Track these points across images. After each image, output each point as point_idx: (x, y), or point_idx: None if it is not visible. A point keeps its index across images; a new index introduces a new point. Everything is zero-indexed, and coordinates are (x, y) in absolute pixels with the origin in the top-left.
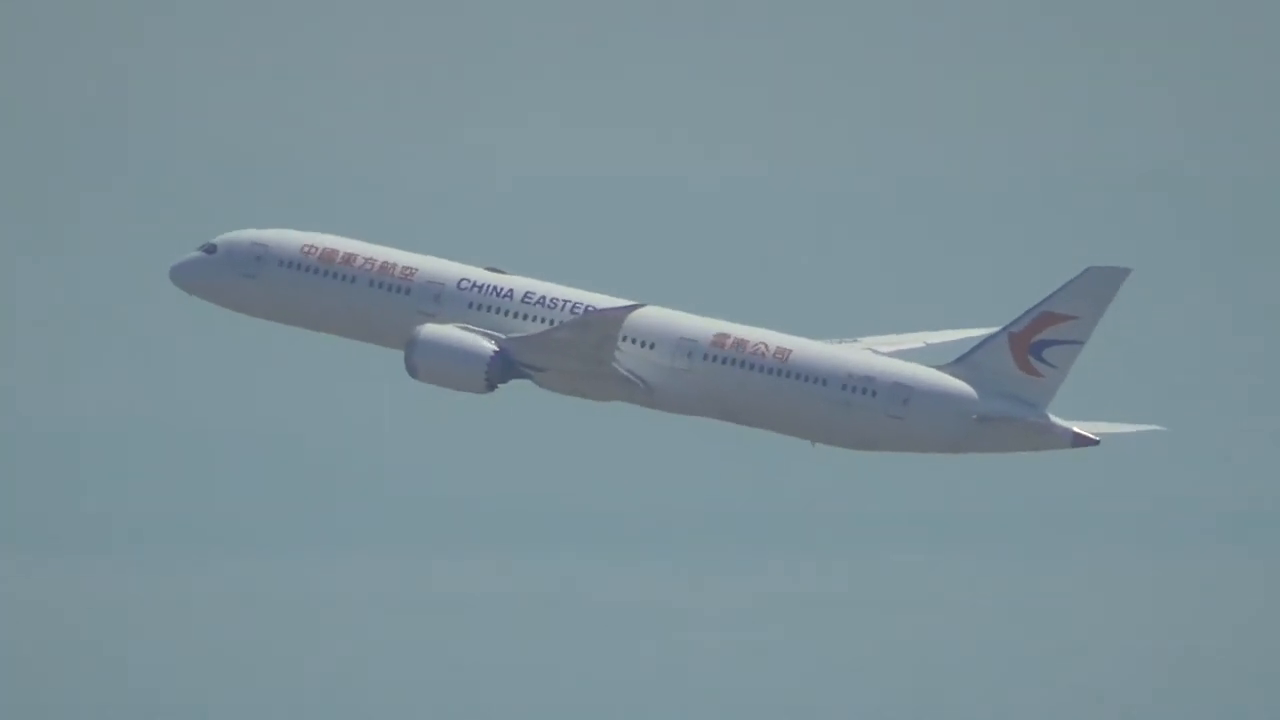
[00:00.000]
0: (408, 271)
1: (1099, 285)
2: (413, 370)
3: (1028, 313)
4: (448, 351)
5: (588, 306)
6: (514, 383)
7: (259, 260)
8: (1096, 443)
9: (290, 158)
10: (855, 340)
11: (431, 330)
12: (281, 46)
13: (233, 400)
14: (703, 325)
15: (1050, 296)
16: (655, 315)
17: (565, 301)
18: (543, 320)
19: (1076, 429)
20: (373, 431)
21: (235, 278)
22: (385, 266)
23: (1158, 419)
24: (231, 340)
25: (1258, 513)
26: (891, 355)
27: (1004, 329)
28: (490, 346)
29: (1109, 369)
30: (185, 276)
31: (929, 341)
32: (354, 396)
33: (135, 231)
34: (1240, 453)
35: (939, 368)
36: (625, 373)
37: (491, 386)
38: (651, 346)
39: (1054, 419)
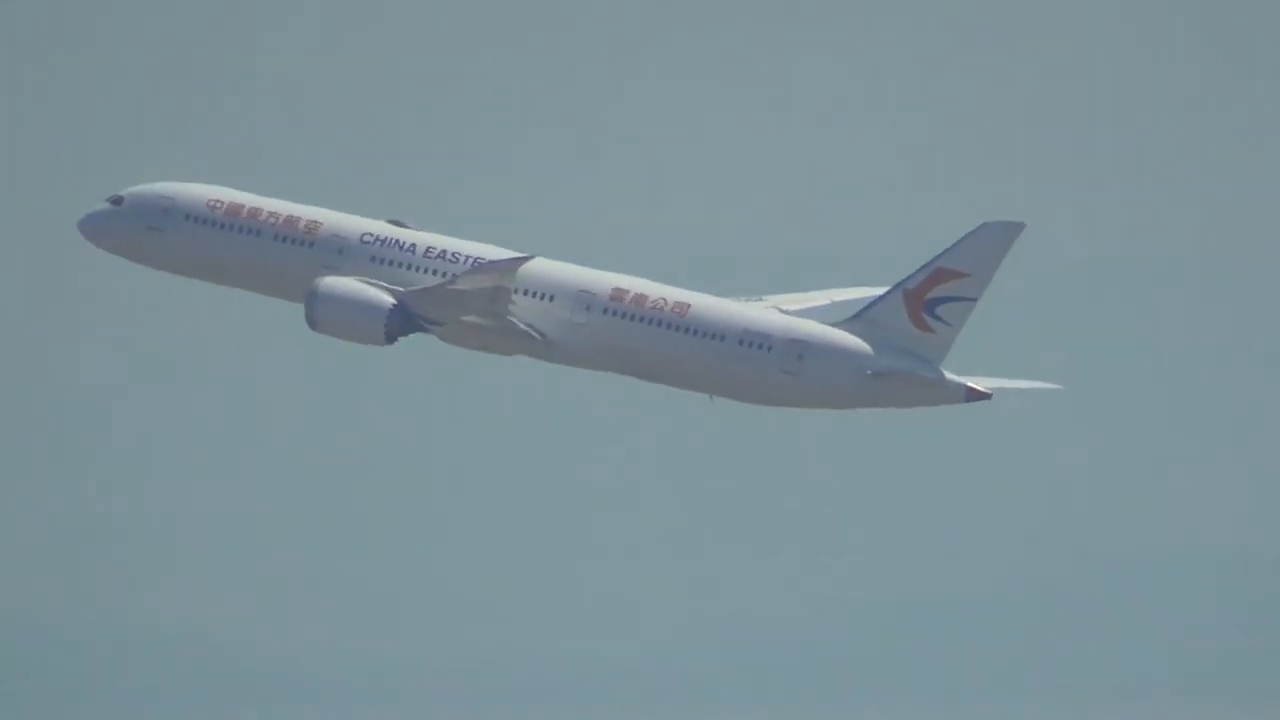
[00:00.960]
0: (312, 225)
1: (993, 240)
2: (312, 322)
3: (922, 269)
4: (347, 304)
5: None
6: (415, 336)
7: (165, 213)
8: (989, 397)
9: (213, 112)
10: (761, 298)
11: (331, 283)
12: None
13: (130, 353)
14: (602, 279)
15: (944, 252)
16: (555, 269)
17: (467, 256)
18: (444, 274)
19: (970, 384)
20: (271, 382)
21: (141, 230)
22: (289, 220)
23: (1059, 376)
24: (134, 292)
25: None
26: (797, 313)
27: (899, 285)
28: (389, 299)
29: (1014, 324)
30: (92, 228)
31: (835, 299)
32: (255, 348)
33: (48, 181)
34: (1130, 413)
35: (836, 324)
36: (524, 326)
37: (391, 339)
38: (551, 299)
39: (947, 374)
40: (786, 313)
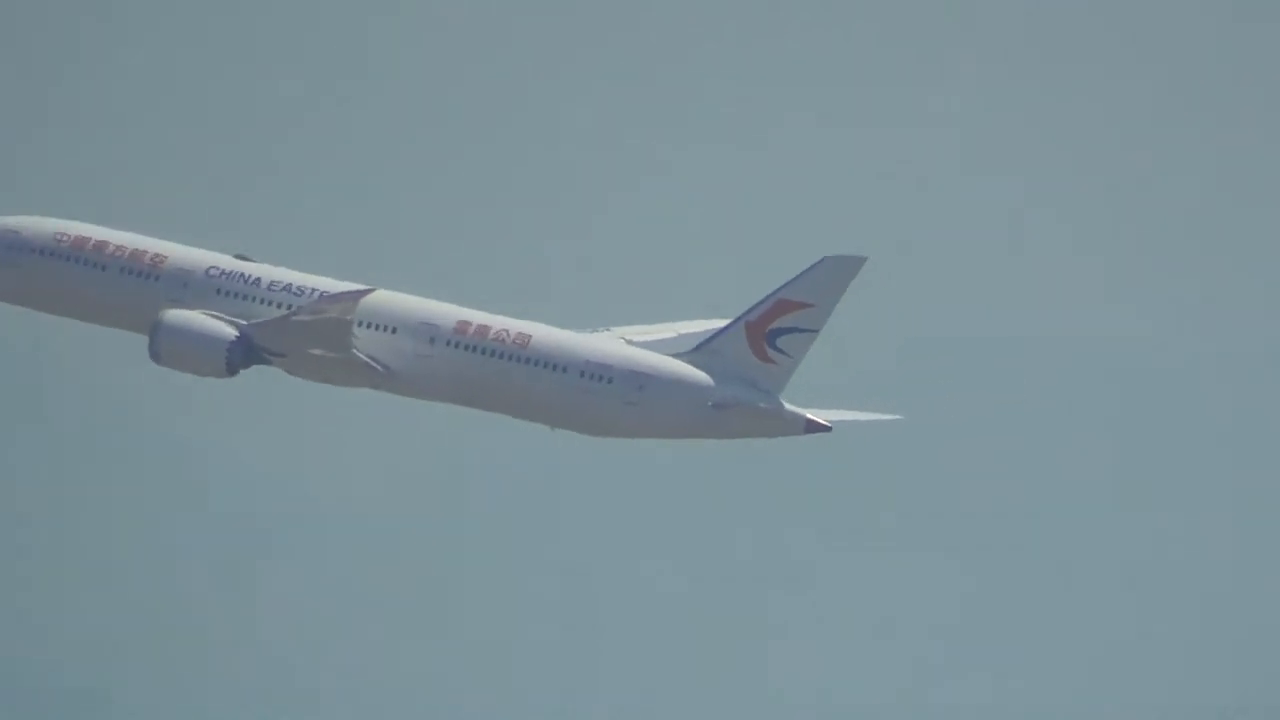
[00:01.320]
0: (157, 259)
1: (834, 274)
2: (155, 355)
3: (763, 301)
4: (188, 336)
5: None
6: (259, 368)
7: (10, 247)
8: (829, 429)
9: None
10: (608, 329)
11: (173, 315)
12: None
13: None
14: (446, 311)
15: (786, 284)
16: (399, 301)
17: (311, 289)
18: (288, 307)
19: (810, 415)
20: (112, 414)
21: None
22: (135, 254)
23: (904, 409)
24: None
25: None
26: (644, 344)
27: (741, 317)
28: (231, 332)
29: (859, 357)
30: None
31: (681, 331)
32: (100, 380)
33: None
34: (973, 445)
35: (679, 356)
36: (366, 358)
37: (233, 371)
38: (394, 332)
39: (787, 405)
40: (633, 344)
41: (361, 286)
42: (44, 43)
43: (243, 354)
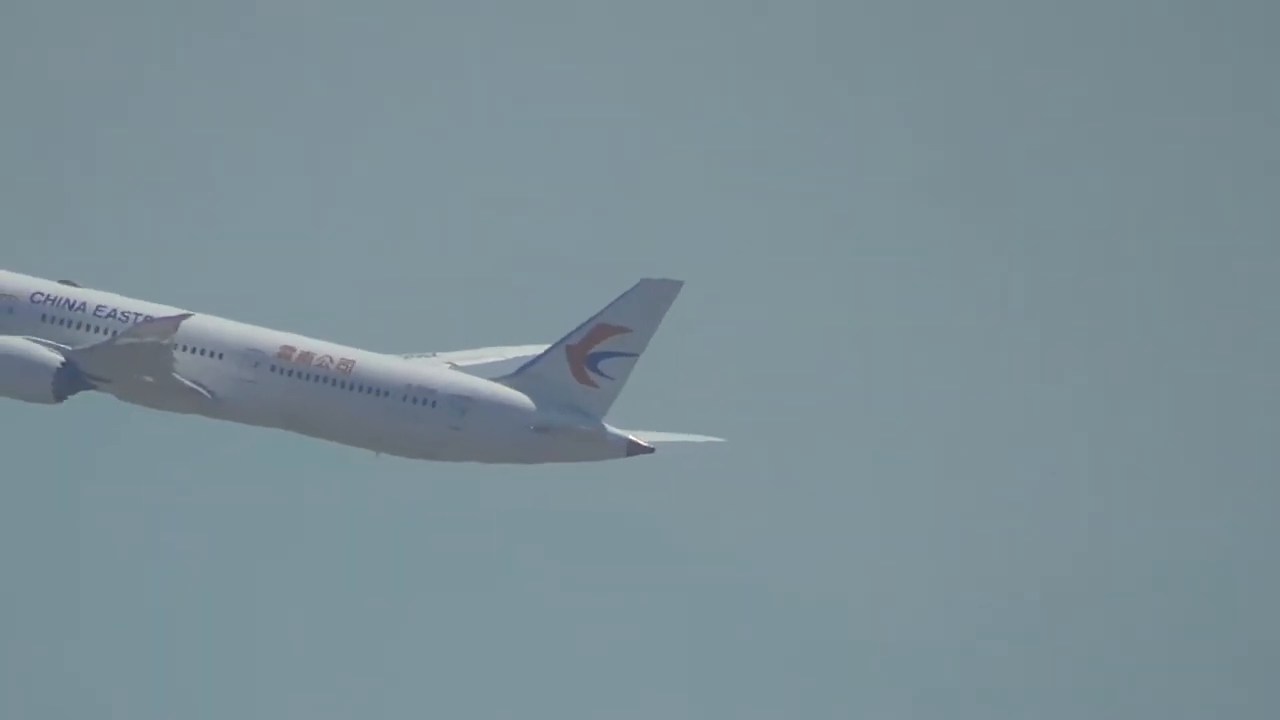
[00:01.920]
0: None
1: (652, 297)
2: None
3: (583, 325)
4: (12, 362)
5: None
6: (89, 395)
7: None
8: (651, 450)
9: None
10: (434, 354)
11: None
12: None
13: None
14: (270, 337)
15: (605, 309)
16: (224, 327)
17: (136, 314)
18: (112, 333)
19: (631, 437)
20: None
21: None
22: None
23: (731, 431)
24: None
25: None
26: (470, 369)
27: (562, 341)
28: (57, 358)
29: (686, 379)
30: None
31: (508, 355)
32: None
33: None
34: (794, 466)
35: (501, 380)
36: (190, 384)
37: (60, 397)
38: (220, 357)
39: (609, 428)
40: (458, 368)
41: (180, 311)
42: None
43: (70, 380)
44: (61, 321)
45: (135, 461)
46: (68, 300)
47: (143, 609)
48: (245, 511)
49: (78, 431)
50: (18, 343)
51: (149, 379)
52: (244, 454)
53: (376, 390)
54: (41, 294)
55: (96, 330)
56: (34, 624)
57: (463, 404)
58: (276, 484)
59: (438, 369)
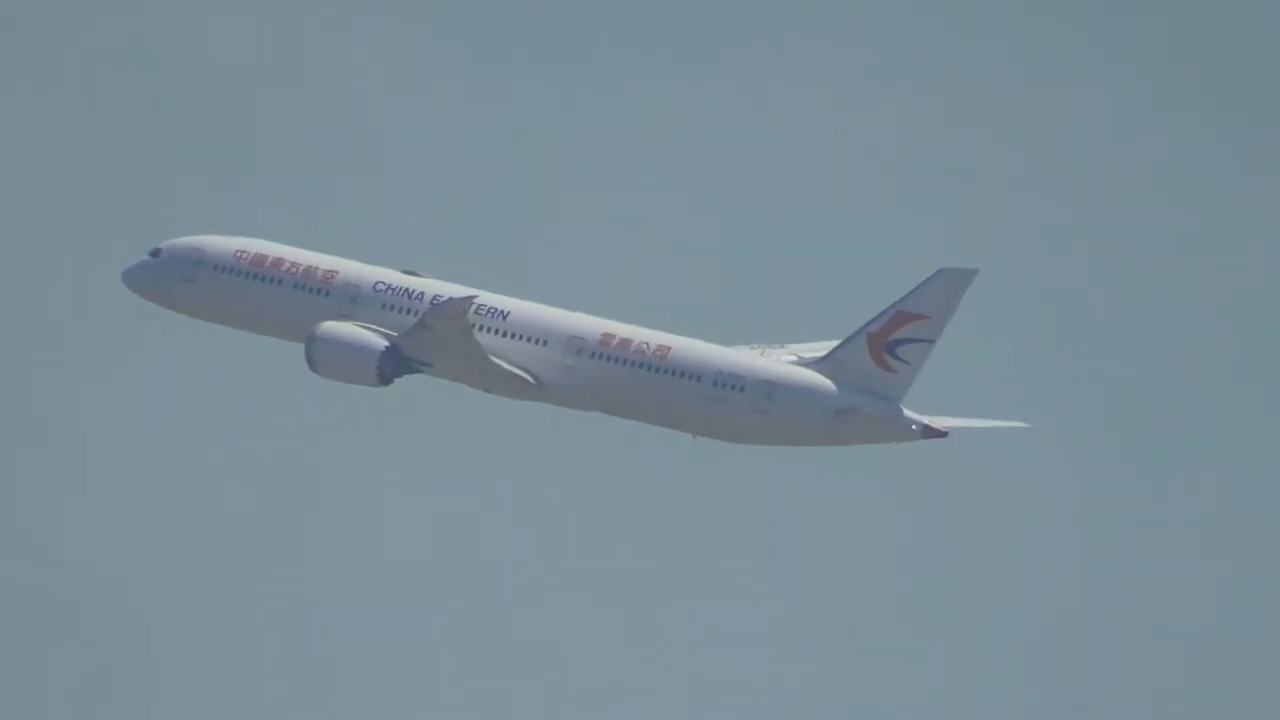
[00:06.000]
0: (329, 275)
1: (950, 285)
2: (312, 365)
3: (884, 312)
4: (341, 347)
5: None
6: (415, 378)
7: (196, 264)
8: (945, 435)
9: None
10: (783, 346)
11: (328, 327)
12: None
13: (150, 394)
14: (591, 324)
15: (904, 297)
16: (546, 314)
17: (473, 305)
18: (422, 315)
19: (926, 421)
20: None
21: (175, 281)
22: (309, 270)
23: (1024, 415)
24: (166, 340)
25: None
26: (811, 360)
27: (863, 328)
28: (382, 342)
29: (975, 365)
30: (132, 279)
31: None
32: (264, 391)
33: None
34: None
35: (806, 366)
36: (512, 368)
37: (385, 380)
38: (544, 344)
39: (906, 412)
40: (802, 361)
41: (469, 291)
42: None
43: (394, 364)
44: (399, 309)
45: (455, 443)
46: (406, 289)
47: (480, 588)
48: (573, 492)
49: (397, 412)
50: (346, 328)
51: (464, 361)
52: (567, 436)
53: (689, 375)
54: (383, 283)
55: None
56: (368, 608)
57: (769, 388)
58: (601, 465)
59: (750, 356)
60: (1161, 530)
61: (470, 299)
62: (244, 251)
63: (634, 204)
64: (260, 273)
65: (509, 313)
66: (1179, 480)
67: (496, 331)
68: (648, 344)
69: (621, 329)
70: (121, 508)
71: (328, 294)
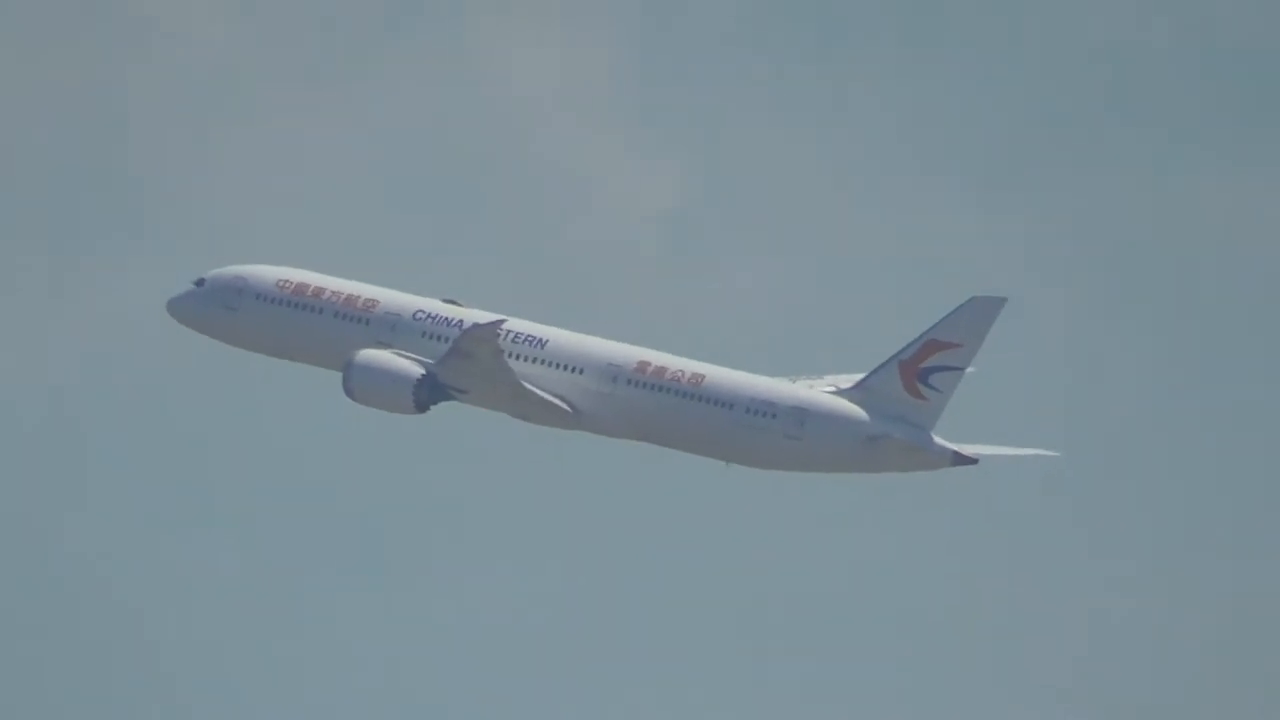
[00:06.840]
0: (369, 304)
1: (980, 313)
2: (349, 392)
3: (915, 341)
4: (378, 374)
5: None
6: (451, 405)
7: (239, 294)
8: (975, 462)
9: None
10: (821, 377)
11: (366, 355)
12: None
13: (194, 422)
14: (627, 352)
15: (935, 325)
16: (583, 342)
17: (510, 333)
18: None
19: (956, 448)
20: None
21: (218, 310)
22: (349, 299)
23: (1054, 443)
24: (209, 368)
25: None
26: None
27: (894, 356)
28: (419, 370)
29: (1015, 395)
30: (177, 308)
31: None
32: (303, 418)
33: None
34: (1126, 479)
35: (838, 393)
36: (548, 396)
37: (422, 408)
38: (580, 372)
39: (936, 439)
40: (838, 392)
41: (496, 316)
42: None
43: (431, 391)
44: (439, 338)
45: (491, 470)
46: (446, 318)
47: (514, 615)
48: (608, 519)
49: (434, 440)
50: (383, 356)
51: (498, 387)
52: (602, 464)
53: (722, 403)
54: (423, 312)
55: None
56: (406, 636)
57: (801, 415)
58: (635, 493)
59: (782, 383)
60: (1191, 560)
61: (498, 323)
62: (286, 281)
63: (677, 236)
64: (302, 301)
65: (547, 341)
66: (1209, 509)
67: (534, 360)
68: (683, 372)
69: (657, 356)
70: (163, 533)
71: (368, 323)
